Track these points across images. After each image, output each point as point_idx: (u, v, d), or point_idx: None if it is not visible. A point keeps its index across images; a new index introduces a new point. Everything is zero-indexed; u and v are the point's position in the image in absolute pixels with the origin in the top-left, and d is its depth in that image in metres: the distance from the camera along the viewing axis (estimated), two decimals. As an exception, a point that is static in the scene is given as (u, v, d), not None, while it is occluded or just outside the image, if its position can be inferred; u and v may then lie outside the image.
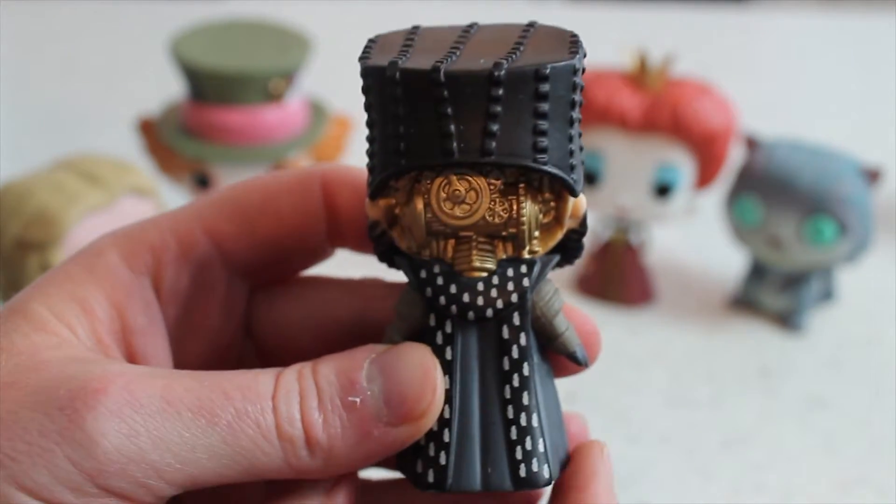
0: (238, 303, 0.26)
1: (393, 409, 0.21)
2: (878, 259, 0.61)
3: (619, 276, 0.58)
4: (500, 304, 0.22)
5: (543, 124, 0.21)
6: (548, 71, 0.21)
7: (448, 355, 0.22)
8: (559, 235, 0.23)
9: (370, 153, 0.22)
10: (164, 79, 0.67)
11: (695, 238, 0.65)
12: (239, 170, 0.54)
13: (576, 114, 0.22)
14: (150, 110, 0.58)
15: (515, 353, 0.22)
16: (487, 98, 0.21)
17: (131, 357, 0.24)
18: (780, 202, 0.52)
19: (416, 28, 0.23)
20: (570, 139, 0.22)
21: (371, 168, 0.22)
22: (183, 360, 0.25)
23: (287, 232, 0.25)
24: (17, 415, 0.19)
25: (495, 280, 0.22)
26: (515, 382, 0.22)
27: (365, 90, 0.22)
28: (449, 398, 0.22)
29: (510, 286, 0.22)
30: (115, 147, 0.59)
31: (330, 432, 0.21)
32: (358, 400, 0.21)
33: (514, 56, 0.21)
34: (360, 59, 0.22)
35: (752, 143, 0.54)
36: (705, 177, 0.55)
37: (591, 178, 0.55)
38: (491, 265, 0.22)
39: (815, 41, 1.02)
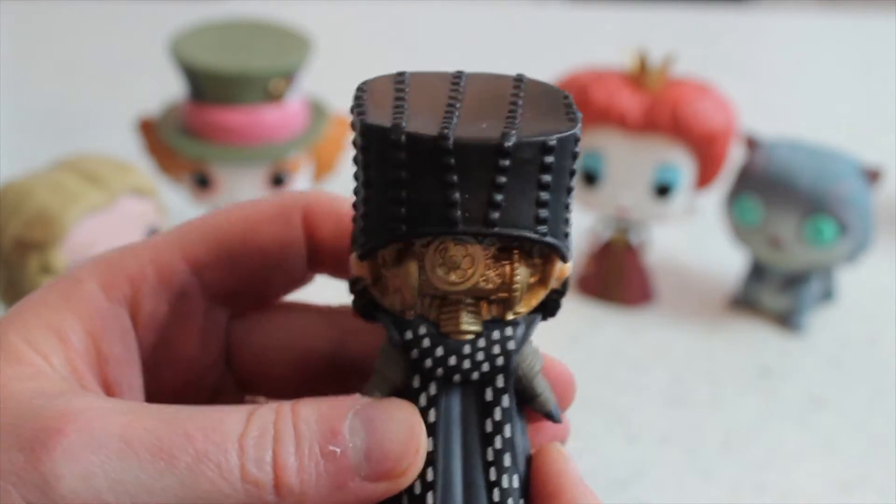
0: (216, 331, 0.26)
1: (373, 465, 0.21)
2: (878, 259, 0.61)
3: (619, 276, 0.58)
4: (486, 367, 0.22)
5: (545, 195, 0.21)
6: (554, 143, 0.21)
7: (432, 417, 0.22)
8: (542, 296, 0.23)
9: (363, 212, 0.22)
10: (164, 79, 0.67)
11: (695, 238, 0.65)
12: (239, 170, 0.54)
13: (573, 182, 0.22)
14: (150, 110, 0.58)
15: (498, 416, 0.22)
16: (494, 168, 0.20)
17: (106, 386, 0.24)
18: (780, 202, 0.52)
19: (402, 75, 0.23)
20: (567, 207, 0.22)
21: (364, 228, 0.22)
22: (159, 389, 0.25)
23: (267, 261, 0.25)
24: None
25: (482, 343, 0.22)
26: (498, 444, 0.22)
27: (363, 148, 0.22)
28: (432, 461, 0.22)
29: (496, 349, 0.22)
30: (115, 147, 0.59)
31: (303, 478, 0.20)
32: (338, 450, 0.21)
33: (514, 121, 0.21)
34: (357, 113, 0.21)
35: (752, 143, 0.55)
36: (705, 177, 0.55)
37: (591, 178, 0.55)
38: (477, 327, 0.22)
39: (815, 41, 1.02)
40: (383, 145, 0.21)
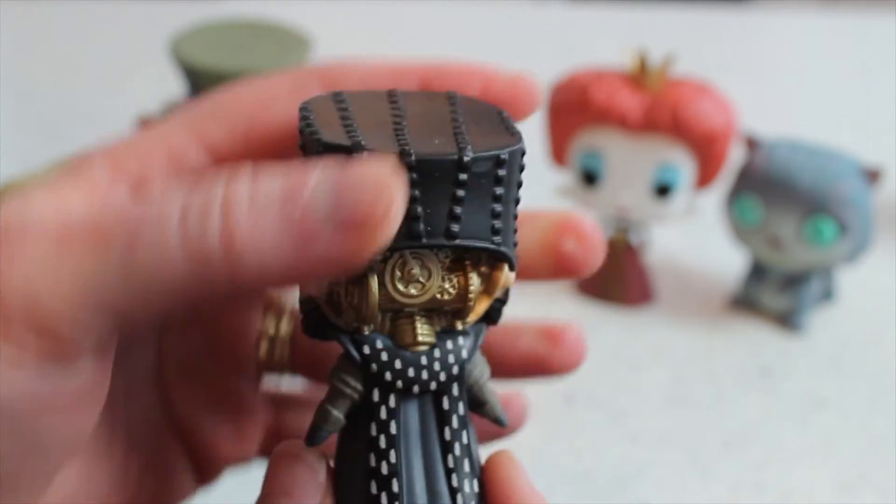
0: None
1: (343, 212, 0.18)
2: (878, 259, 0.61)
3: (619, 276, 0.58)
4: (443, 376, 0.23)
5: (499, 207, 0.22)
6: (506, 156, 0.22)
7: (393, 429, 0.22)
8: (486, 305, 0.24)
9: None
10: (164, 79, 0.67)
11: (695, 238, 0.65)
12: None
13: (519, 194, 0.23)
14: (150, 110, 0.58)
15: (455, 423, 0.23)
16: (454, 182, 0.21)
17: None
18: (780, 202, 0.52)
19: (339, 94, 0.23)
20: (514, 218, 0.23)
21: None
22: None
23: (284, 137, 0.24)
24: None
25: (437, 353, 0.23)
26: (457, 451, 0.23)
27: None
28: (397, 472, 0.22)
29: (451, 358, 0.23)
30: (115, 147, 0.59)
31: (259, 237, 0.18)
32: (302, 200, 0.19)
33: (462, 137, 0.22)
34: (310, 133, 0.21)
35: (752, 143, 0.55)
36: (705, 177, 0.55)
37: (590, 178, 0.55)
38: (432, 339, 0.23)
39: (815, 41, 1.02)
40: None
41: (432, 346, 0.23)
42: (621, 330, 0.56)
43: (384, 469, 0.22)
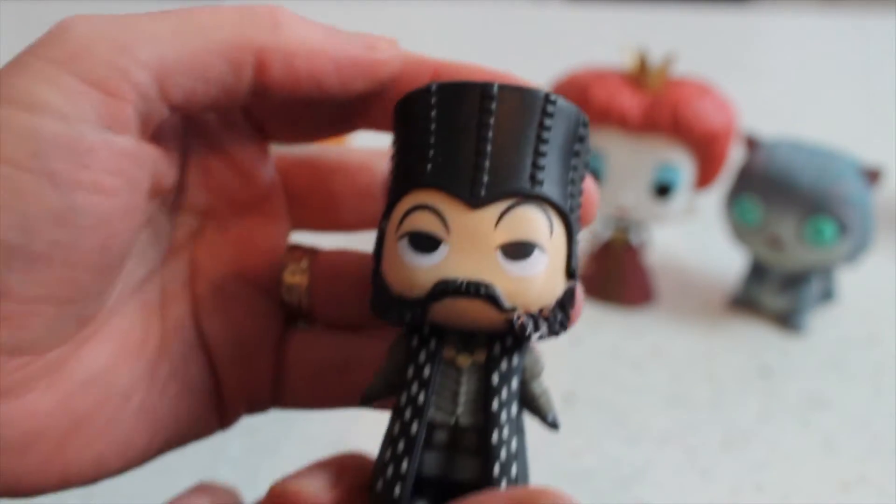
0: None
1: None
2: (878, 259, 0.61)
3: (619, 276, 0.58)
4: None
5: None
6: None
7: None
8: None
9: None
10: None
11: (695, 238, 0.65)
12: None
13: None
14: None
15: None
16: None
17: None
18: (780, 202, 0.52)
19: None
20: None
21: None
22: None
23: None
24: None
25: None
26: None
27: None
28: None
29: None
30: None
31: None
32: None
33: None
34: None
35: (752, 143, 0.55)
36: (705, 177, 0.55)
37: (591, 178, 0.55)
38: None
39: (815, 41, 1.02)
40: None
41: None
42: (621, 330, 0.56)
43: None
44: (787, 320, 0.56)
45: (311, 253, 0.29)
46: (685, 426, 0.48)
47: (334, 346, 0.28)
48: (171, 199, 0.26)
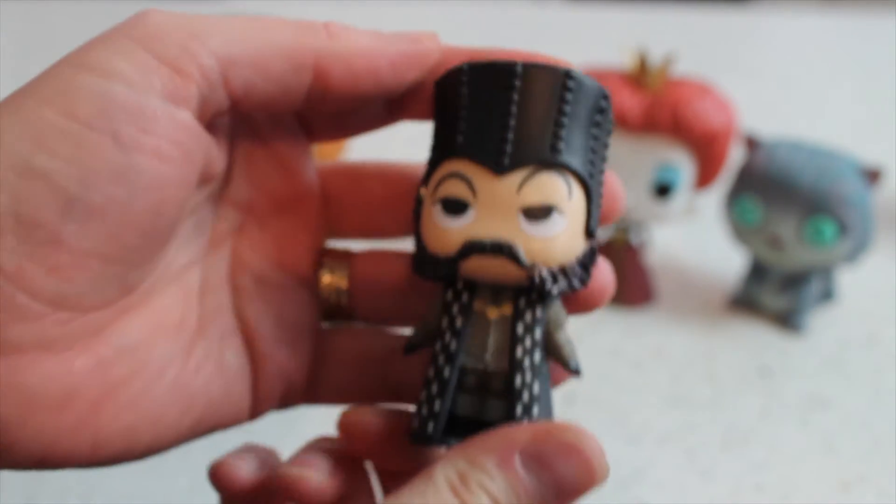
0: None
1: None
2: (878, 259, 0.61)
3: (619, 276, 0.58)
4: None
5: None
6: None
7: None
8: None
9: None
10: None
11: (695, 238, 0.65)
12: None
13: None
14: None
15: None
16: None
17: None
18: (780, 202, 0.52)
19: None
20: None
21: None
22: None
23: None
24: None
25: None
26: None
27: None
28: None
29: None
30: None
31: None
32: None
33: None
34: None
35: (752, 143, 0.55)
36: (705, 177, 0.55)
37: (591, 178, 0.55)
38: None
39: (815, 41, 1.02)
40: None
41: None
42: (621, 330, 0.56)
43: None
44: (787, 320, 0.56)
45: (350, 254, 0.30)
46: (685, 426, 0.48)
47: (375, 340, 0.29)
48: (216, 191, 0.27)
